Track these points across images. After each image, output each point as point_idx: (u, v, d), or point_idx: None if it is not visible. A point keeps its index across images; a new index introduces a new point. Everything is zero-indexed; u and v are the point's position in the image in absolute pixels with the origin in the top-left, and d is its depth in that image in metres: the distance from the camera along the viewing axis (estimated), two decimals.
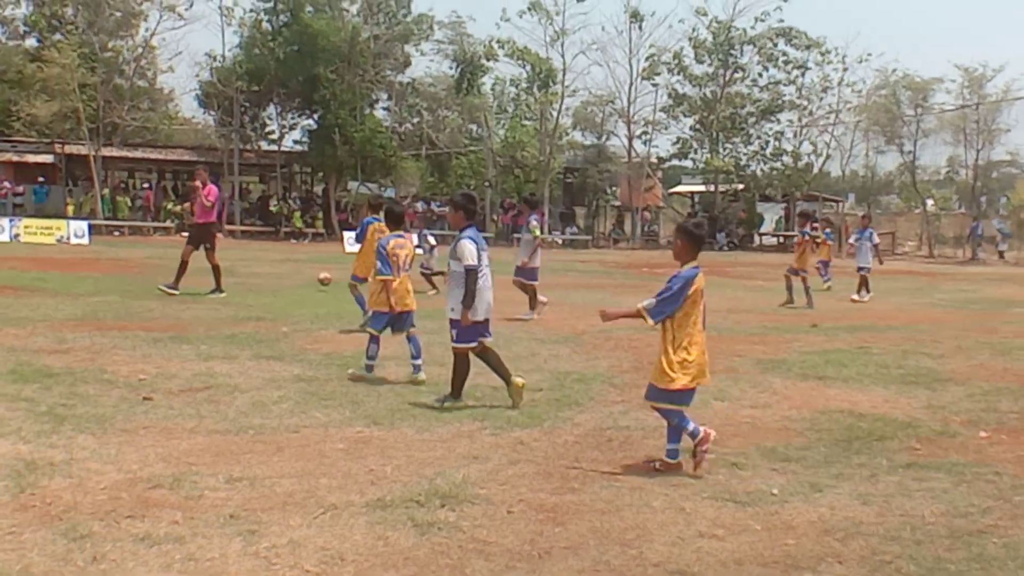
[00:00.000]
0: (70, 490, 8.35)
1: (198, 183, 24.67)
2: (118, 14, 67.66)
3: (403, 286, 14.69)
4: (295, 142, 72.32)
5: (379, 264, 14.67)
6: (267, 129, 71.56)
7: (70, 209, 61.78)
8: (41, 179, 65.35)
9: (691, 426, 9.53)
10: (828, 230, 37.98)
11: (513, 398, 12.31)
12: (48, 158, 66.32)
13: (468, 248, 12.18)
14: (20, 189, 64.36)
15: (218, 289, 24.43)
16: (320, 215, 67.78)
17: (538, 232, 21.92)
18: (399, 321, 14.69)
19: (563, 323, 20.95)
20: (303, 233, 64.41)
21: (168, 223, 62.45)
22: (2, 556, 6.89)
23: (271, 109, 70.58)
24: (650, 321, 9.71)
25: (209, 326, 18.89)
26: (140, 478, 8.77)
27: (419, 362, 14.33)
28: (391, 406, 12.11)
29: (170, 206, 65.42)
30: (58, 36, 65.21)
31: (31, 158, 66.37)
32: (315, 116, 68.25)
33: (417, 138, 70.22)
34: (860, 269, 30.66)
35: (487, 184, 68.63)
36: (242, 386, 13.20)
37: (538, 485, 8.95)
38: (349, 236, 54.18)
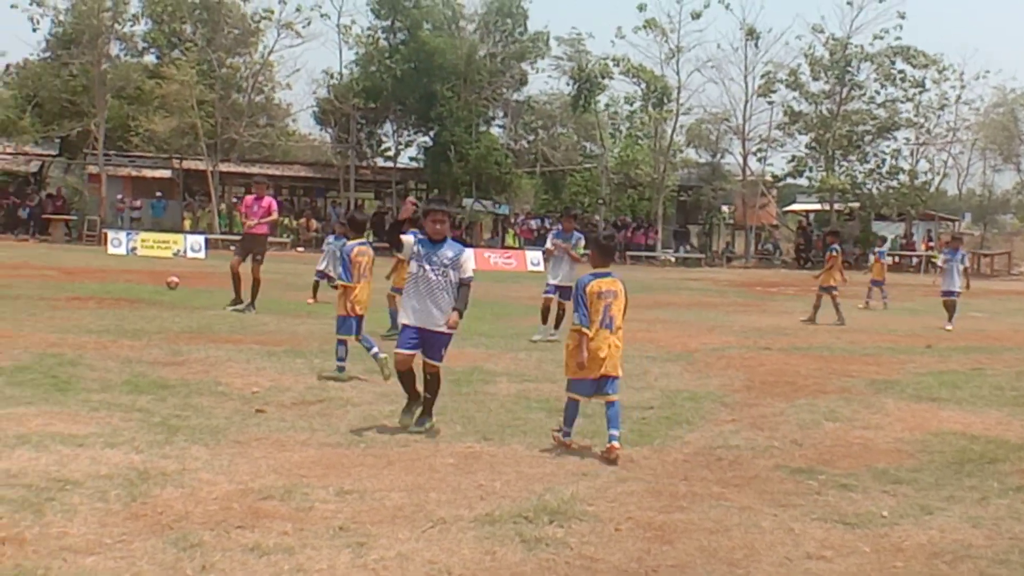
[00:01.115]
0: (182, 500, 8.46)
1: (255, 193, 24.70)
2: (236, 31, 68.60)
3: (364, 292, 15.58)
4: (410, 159, 72.84)
5: (340, 270, 15.83)
6: (383, 146, 72.02)
7: (187, 223, 62.64)
8: (159, 194, 66.34)
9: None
10: (881, 248, 37.25)
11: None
12: (166, 173, 67.34)
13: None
14: (138, 203, 65.38)
15: (251, 305, 23.46)
16: None
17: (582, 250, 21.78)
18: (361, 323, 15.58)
19: (675, 341, 20.90)
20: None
21: (284, 238, 63.02)
22: (112, 564, 6.98)
23: (387, 126, 71.07)
24: (587, 331, 11.08)
25: (323, 340, 19.01)
26: (251, 489, 8.87)
27: (376, 349, 15.13)
28: (501, 422, 12.14)
29: (286, 221, 66.04)
30: (177, 53, 66.17)
31: (149, 173, 67.40)
32: (431, 133, 68.63)
33: (532, 155, 70.36)
34: (948, 294, 27.95)
35: (600, 202, 68.59)
36: (354, 400, 13.31)
37: (647, 503, 8.93)
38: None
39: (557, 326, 20.40)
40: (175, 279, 29.47)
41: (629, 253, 66.43)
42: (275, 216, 25.38)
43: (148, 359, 15.86)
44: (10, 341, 16.77)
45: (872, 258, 31.18)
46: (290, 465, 9.77)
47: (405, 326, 11.60)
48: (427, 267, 11.57)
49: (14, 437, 10.17)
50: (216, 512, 8.19)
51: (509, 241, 66.87)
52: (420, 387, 11.90)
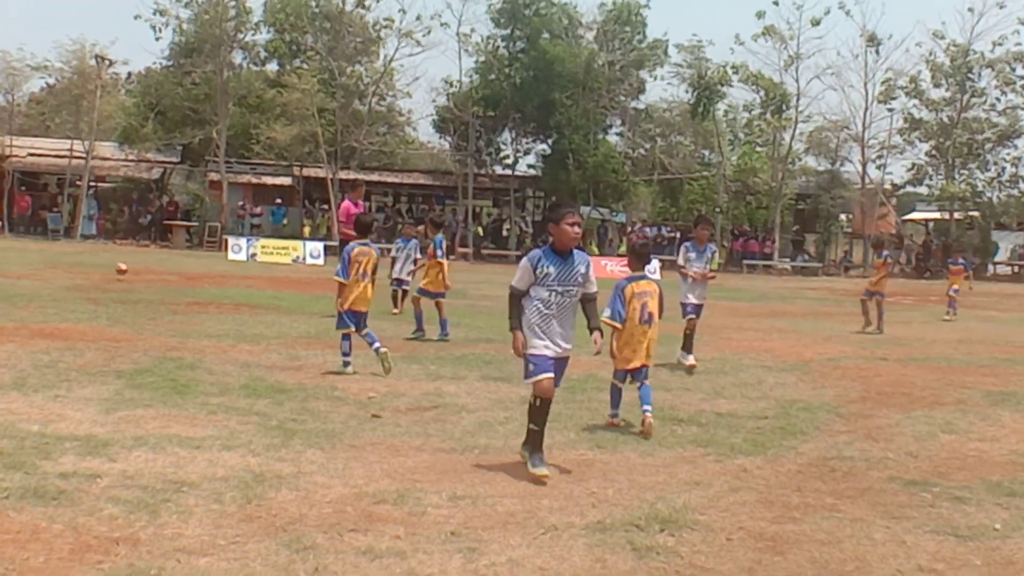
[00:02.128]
0: (296, 503, 8.53)
1: (352, 199, 24.73)
2: (358, 40, 69.05)
3: (364, 290, 16.10)
4: (529, 167, 72.84)
5: (339, 267, 16.20)
6: (502, 153, 72.18)
7: (306, 230, 63.25)
8: (279, 201, 67.04)
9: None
10: (962, 259, 36.48)
11: None
12: (286, 180, 68.04)
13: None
14: (258, 210, 66.13)
15: None
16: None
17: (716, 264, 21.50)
18: (365, 319, 16.21)
19: (790, 351, 20.74)
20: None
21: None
22: (226, 565, 7.07)
23: (506, 134, 71.18)
24: (618, 325, 12.52)
25: (439, 347, 19.15)
26: (365, 493, 8.92)
27: (378, 344, 15.77)
28: (615, 430, 12.12)
29: (404, 228, 66.38)
30: (298, 62, 66.80)
31: (269, 180, 68.15)
32: (549, 141, 68.63)
33: (649, 163, 70.13)
34: None
35: (718, 210, 68.23)
36: (469, 406, 13.35)
37: (759, 513, 8.87)
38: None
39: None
40: (123, 265, 33.07)
41: (745, 262, 66.05)
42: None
43: (266, 363, 16.07)
44: (131, 345, 17.05)
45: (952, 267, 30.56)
46: (404, 470, 9.82)
47: (544, 357, 9.97)
48: (559, 290, 10.04)
49: (132, 439, 10.32)
50: (330, 515, 8.26)
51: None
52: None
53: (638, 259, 13.55)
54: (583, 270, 10.19)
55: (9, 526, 7.56)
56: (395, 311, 24.85)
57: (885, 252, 27.35)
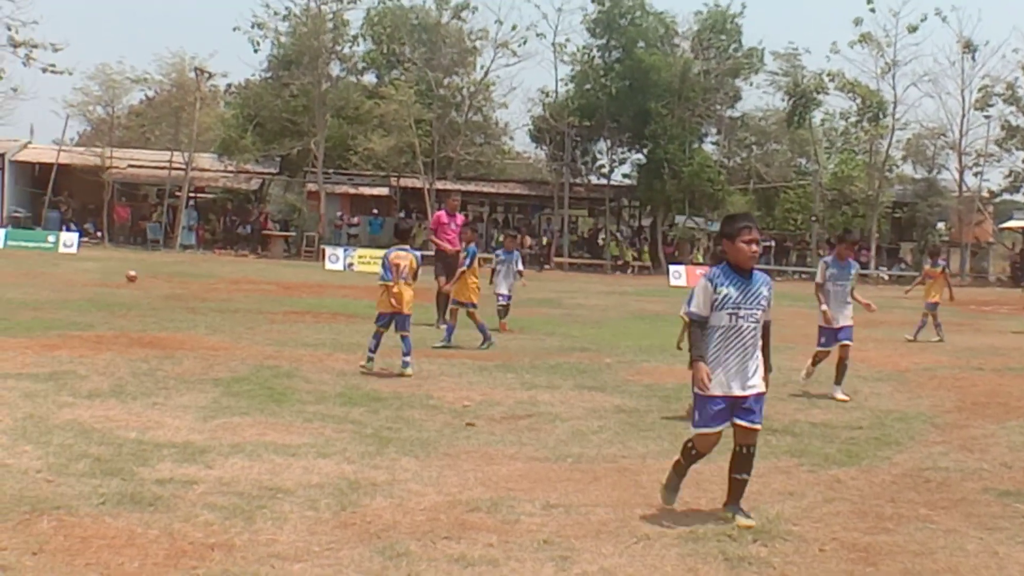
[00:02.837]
0: (390, 510, 8.59)
1: (446, 209, 24.82)
2: (454, 52, 69.27)
3: (404, 291, 16.79)
4: (624, 176, 72.72)
5: (381, 271, 17.16)
6: (597, 163, 72.09)
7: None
8: (375, 211, 67.34)
9: None
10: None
11: None
12: (383, 191, 68.35)
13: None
14: (355, 220, 66.48)
15: (442, 319, 23.49)
16: (647, 248, 67.94)
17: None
18: (399, 321, 16.79)
19: (886, 360, 20.55)
20: (629, 266, 64.66)
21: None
22: (319, 571, 7.13)
23: (601, 143, 71.06)
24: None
25: (534, 356, 19.18)
26: (459, 501, 8.97)
27: (408, 359, 16.52)
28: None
29: (501, 238, 66.46)
30: (396, 73, 67.11)
31: (366, 190, 68.53)
32: (644, 150, 68.44)
33: (744, 172, 69.75)
34: None
35: (813, 219, 67.72)
36: (563, 415, 13.35)
37: (852, 524, 8.80)
38: (675, 270, 54.31)
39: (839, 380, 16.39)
40: (132, 272, 33.77)
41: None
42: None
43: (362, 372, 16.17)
44: (228, 353, 17.25)
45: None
46: (498, 478, 9.86)
47: (712, 397, 8.83)
48: (741, 314, 8.83)
49: (229, 446, 10.45)
50: (423, 523, 8.30)
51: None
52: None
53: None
54: (766, 291, 8.96)
55: (105, 531, 7.67)
56: (503, 325, 23.55)
57: (942, 260, 26.94)
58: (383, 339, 16.85)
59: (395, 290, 16.70)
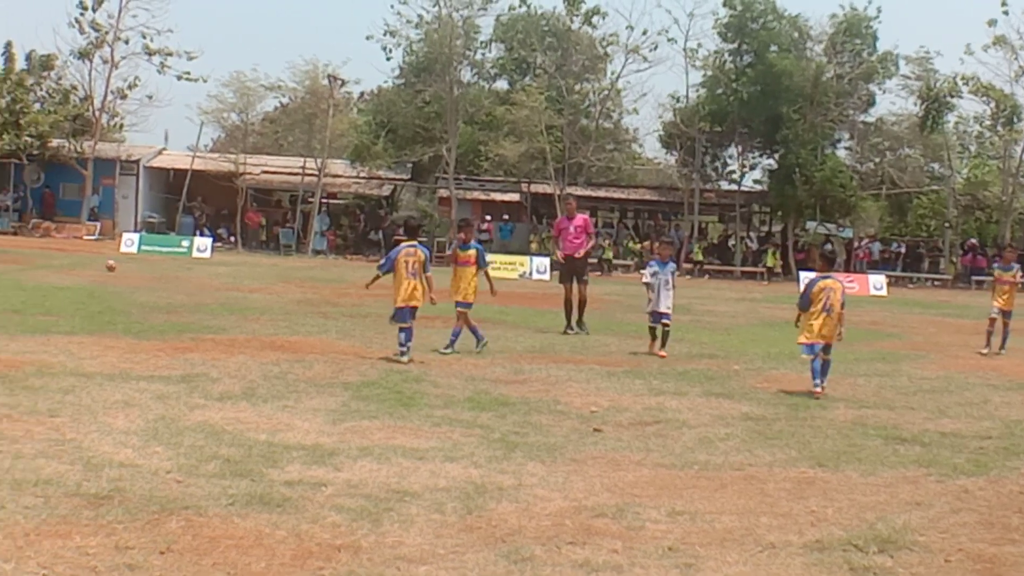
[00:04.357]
0: (516, 514, 8.64)
1: (566, 214, 24.62)
2: (584, 58, 69.30)
3: (414, 288, 17.88)
4: (755, 182, 72.21)
5: (382, 261, 18.57)
6: (728, 169, 71.69)
7: (533, 246, 63.55)
8: (506, 216, 67.50)
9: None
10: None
11: None
12: (514, 196, 68.48)
13: None
14: (486, 226, 66.70)
15: (580, 323, 23.59)
16: (777, 254, 67.47)
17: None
18: (412, 313, 17.88)
19: (1018, 369, 20.19)
20: (759, 272, 64.22)
21: (628, 261, 63.40)
22: (444, 574, 7.21)
23: (732, 149, 70.62)
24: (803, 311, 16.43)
25: (662, 362, 19.14)
26: (584, 506, 8.99)
27: (406, 348, 17.55)
28: (837, 448, 11.96)
29: (631, 244, 66.41)
30: (527, 79, 67.27)
31: (497, 196, 68.69)
32: (775, 156, 67.91)
33: (877, 177, 68.86)
34: None
35: (947, 224, 66.76)
36: (690, 422, 13.31)
37: (978, 535, 8.68)
38: (806, 276, 53.77)
39: None
40: (112, 262, 36.25)
41: (974, 278, 64.32)
42: (592, 231, 24.88)
43: (491, 377, 16.27)
44: (358, 357, 17.46)
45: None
46: (624, 484, 9.86)
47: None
48: None
49: (357, 449, 10.56)
50: (548, 528, 8.34)
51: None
52: None
53: (827, 263, 17.63)
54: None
55: (233, 532, 7.80)
56: (661, 353, 20.27)
57: (1016, 266, 25.33)
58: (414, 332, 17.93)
59: (406, 288, 17.82)
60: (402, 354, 17.36)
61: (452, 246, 20.52)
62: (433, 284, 18.44)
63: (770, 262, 64.65)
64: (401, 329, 17.72)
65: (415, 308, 17.95)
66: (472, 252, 20.33)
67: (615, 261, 63.60)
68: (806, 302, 16.33)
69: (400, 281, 17.88)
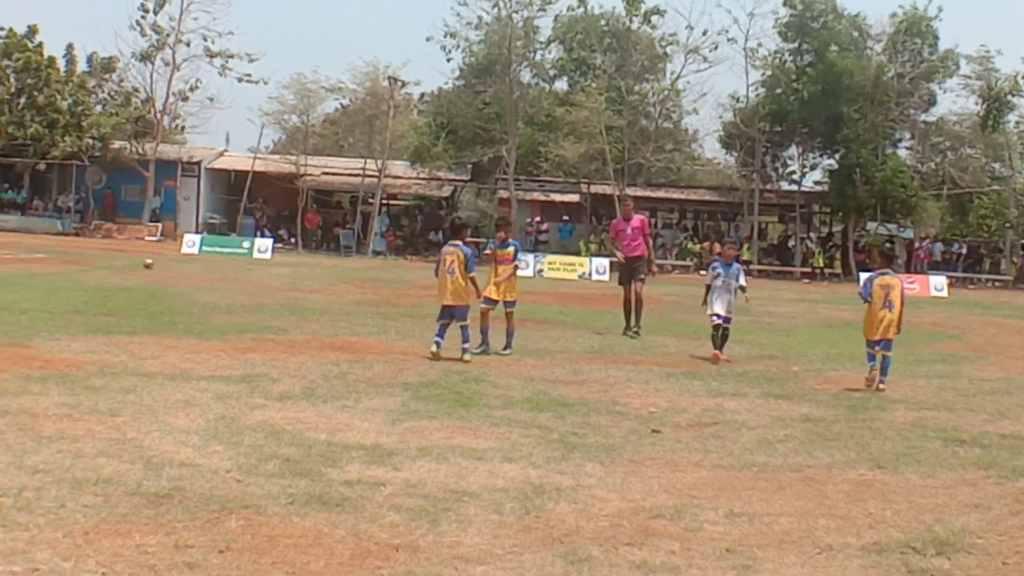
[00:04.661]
0: (574, 515, 8.66)
1: (621, 215, 24.49)
2: (644, 58, 69.19)
3: (454, 286, 18.22)
4: (815, 182, 71.89)
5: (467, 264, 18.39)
6: (788, 169, 71.41)
7: (592, 247, 63.55)
8: (565, 217, 67.56)
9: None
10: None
11: None
12: (573, 197, 68.52)
13: None
14: (545, 226, 66.77)
15: (637, 325, 23.26)
16: (837, 255, 67.06)
17: None
18: (458, 313, 18.22)
19: None
20: (820, 273, 63.95)
21: (687, 261, 63.27)
22: (501, 574, 7.25)
23: (792, 149, 70.33)
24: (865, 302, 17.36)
25: (721, 364, 19.09)
26: (642, 507, 9.00)
27: (467, 346, 18.06)
28: (897, 450, 11.91)
29: (690, 245, 66.28)
30: (587, 80, 67.23)
31: (556, 197, 68.85)
32: (836, 156, 67.56)
33: (938, 177, 68.33)
34: None
35: (1007, 225, 66.24)
36: (749, 423, 13.30)
37: None
38: (865, 276, 53.55)
39: None
40: (149, 261, 37.70)
41: None
42: (649, 232, 24.49)
43: (550, 378, 16.30)
44: (418, 358, 17.50)
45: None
46: (682, 485, 9.87)
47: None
48: None
49: (416, 449, 10.62)
50: (606, 528, 8.36)
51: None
52: None
53: (885, 259, 18.88)
54: None
55: (292, 531, 7.87)
56: (720, 355, 19.61)
57: None
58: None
59: (445, 286, 18.26)
60: (437, 345, 17.80)
61: (490, 244, 20.28)
62: (477, 284, 18.71)
63: (818, 262, 64.47)
64: (441, 325, 18.16)
65: (453, 307, 18.20)
66: (511, 250, 20.11)
67: (674, 262, 63.50)
68: (867, 292, 17.26)
69: (440, 280, 18.48)
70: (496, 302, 19.62)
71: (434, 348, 17.65)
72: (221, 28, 69.68)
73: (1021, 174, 67.93)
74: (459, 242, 18.75)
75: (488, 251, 20.31)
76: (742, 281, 20.50)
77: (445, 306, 18.21)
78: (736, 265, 20.86)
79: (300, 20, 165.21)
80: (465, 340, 18.01)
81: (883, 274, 17.42)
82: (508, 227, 21.38)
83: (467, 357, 17.69)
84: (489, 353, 18.85)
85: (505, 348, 19.18)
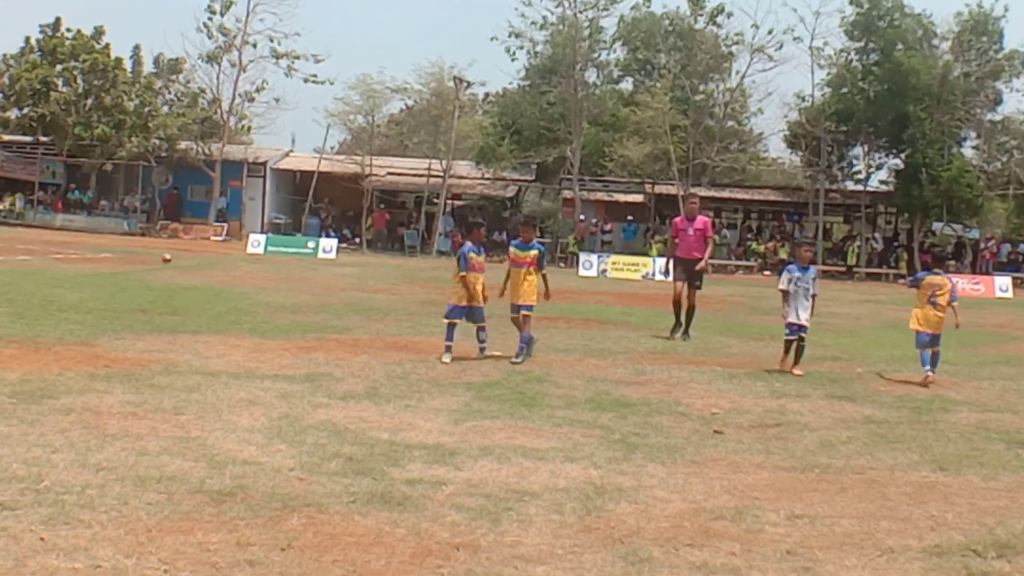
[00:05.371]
0: (635, 515, 8.67)
1: (686, 214, 23.81)
2: (709, 58, 69.07)
3: (476, 285, 18.08)
4: (881, 182, 71.51)
5: (459, 264, 18.21)
6: (853, 169, 71.05)
7: (656, 248, 63.51)
8: (629, 217, 67.55)
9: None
10: None
11: None
12: (638, 197, 68.48)
13: None
14: (608, 227, 66.78)
15: (686, 332, 22.76)
16: (904, 256, 66.69)
17: None
18: (474, 313, 18.12)
19: None
20: (884, 273, 63.62)
21: (752, 262, 63.08)
22: (561, 574, 7.25)
23: (857, 149, 69.98)
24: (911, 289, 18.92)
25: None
26: (703, 508, 9.00)
27: (484, 345, 18.05)
28: (959, 452, 11.84)
29: (754, 246, 66.07)
30: (651, 80, 67.18)
31: (621, 197, 68.87)
32: (902, 155, 67.17)
33: (1005, 177, 67.75)
34: None
35: None
36: (811, 424, 13.24)
37: None
38: (919, 274, 53.29)
39: None
40: (167, 255, 38.84)
41: None
42: (711, 235, 23.81)
43: (612, 378, 16.27)
44: (481, 358, 17.51)
45: None
46: (743, 487, 9.85)
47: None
48: None
49: (478, 449, 10.66)
50: (667, 529, 8.36)
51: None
52: None
53: (936, 261, 19.75)
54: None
55: (354, 529, 7.92)
56: (796, 371, 18.02)
57: None
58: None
59: (470, 282, 18.00)
60: (447, 349, 17.49)
61: (512, 245, 18.53)
62: (469, 285, 18.31)
63: (850, 260, 64.30)
64: (450, 325, 17.91)
65: (473, 308, 18.14)
66: (533, 252, 18.46)
67: (737, 263, 63.36)
68: (915, 283, 18.74)
69: (455, 280, 18.47)
70: (534, 306, 18.42)
71: (449, 351, 17.49)
72: (287, 29, 71.04)
73: None
74: (467, 242, 18.73)
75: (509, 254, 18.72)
76: (817, 288, 18.97)
77: (459, 306, 18.06)
78: (812, 269, 18.96)
79: (366, 21, 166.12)
80: (483, 340, 18.10)
81: (934, 273, 18.38)
82: (531, 228, 19.53)
83: (487, 353, 17.97)
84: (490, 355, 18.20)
85: (516, 356, 17.65)
